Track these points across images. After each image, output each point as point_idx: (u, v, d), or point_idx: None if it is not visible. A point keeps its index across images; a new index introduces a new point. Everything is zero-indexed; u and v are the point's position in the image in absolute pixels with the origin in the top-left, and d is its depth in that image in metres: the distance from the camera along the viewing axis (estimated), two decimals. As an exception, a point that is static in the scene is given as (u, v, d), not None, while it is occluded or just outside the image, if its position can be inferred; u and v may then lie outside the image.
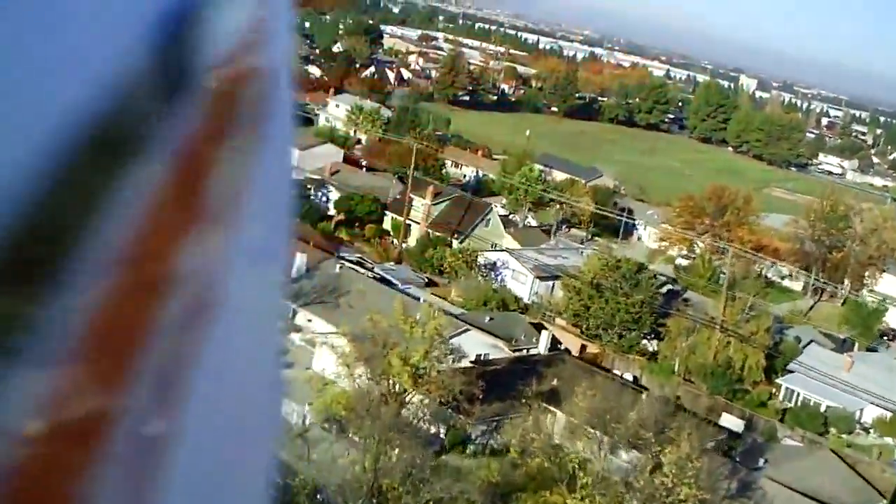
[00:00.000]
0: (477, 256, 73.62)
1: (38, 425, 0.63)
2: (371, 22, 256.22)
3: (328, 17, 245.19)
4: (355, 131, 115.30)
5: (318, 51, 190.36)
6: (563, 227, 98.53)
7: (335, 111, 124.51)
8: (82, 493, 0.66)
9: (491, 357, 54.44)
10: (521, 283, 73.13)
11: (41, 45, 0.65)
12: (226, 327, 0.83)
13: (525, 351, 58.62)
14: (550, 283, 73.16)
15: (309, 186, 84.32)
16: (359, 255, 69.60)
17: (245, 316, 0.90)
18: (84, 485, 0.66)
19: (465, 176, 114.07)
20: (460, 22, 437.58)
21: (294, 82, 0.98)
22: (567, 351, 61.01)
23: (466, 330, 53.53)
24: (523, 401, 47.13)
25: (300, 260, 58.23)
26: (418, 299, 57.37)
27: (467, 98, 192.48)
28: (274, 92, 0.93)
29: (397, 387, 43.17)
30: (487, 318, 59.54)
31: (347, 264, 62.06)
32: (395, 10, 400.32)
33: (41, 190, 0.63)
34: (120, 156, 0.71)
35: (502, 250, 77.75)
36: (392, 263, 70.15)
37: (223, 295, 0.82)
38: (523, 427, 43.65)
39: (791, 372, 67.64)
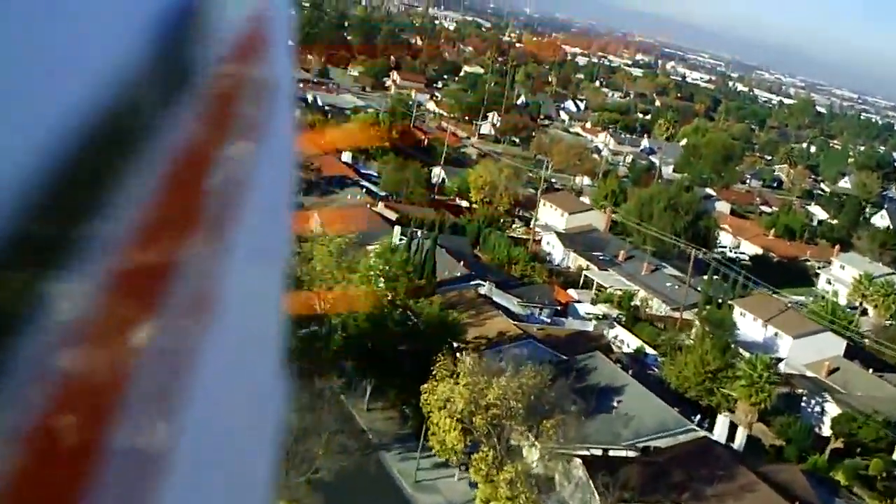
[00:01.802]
0: None
1: (36, 427, 0.62)
2: (882, 150, 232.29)
3: (838, 144, 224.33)
4: (861, 304, 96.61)
5: (824, 185, 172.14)
6: None
7: (839, 273, 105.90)
8: (82, 493, 0.65)
9: None
10: None
11: (41, 44, 0.65)
12: (225, 324, 0.82)
13: None
14: None
15: (799, 390, 68.00)
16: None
17: (244, 313, 0.89)
18: (84, 486, 0.65)
19: None
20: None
21: (293, 82, 0.91)
22: None
23: None
24: None
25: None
26: None
27: None
28: (274, 90, 0.92)
29: None
30: None
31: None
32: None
33: (42, 189, 0.63)
34: (121, 154, 0.71)
35: None
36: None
37: (222, 292, 0.81)
38: None
39: None
